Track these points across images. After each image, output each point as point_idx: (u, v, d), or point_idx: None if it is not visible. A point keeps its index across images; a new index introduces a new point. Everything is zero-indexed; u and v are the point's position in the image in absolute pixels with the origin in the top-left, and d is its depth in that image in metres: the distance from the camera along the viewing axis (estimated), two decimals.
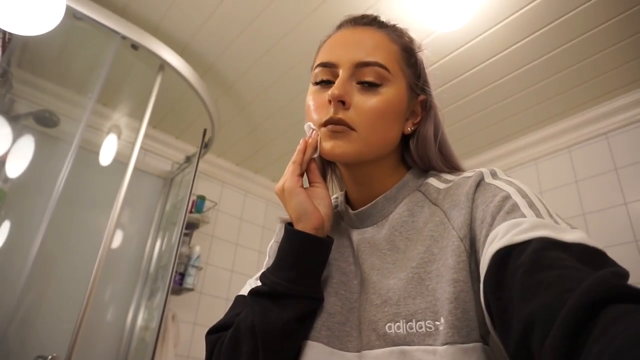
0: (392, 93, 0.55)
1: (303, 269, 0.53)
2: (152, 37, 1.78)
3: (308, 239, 0.53)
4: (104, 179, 2.00)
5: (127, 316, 2.10)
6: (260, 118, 2.34)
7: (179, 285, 2.28)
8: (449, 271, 0.46)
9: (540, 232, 0.39)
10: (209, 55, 1.97)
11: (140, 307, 2.13)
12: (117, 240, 2.15)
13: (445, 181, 0.57)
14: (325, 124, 0.55)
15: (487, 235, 0.44)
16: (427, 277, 0.48)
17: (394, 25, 0.62)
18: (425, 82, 0.61)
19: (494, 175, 0.52)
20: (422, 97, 0.61)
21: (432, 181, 0.58)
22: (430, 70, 0.63)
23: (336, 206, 0.67)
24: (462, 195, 0.50)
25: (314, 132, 0.56)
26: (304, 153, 0.56)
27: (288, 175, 0.56)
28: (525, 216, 0.42)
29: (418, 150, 0.59)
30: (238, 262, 2.68)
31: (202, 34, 1.87)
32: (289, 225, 0.56)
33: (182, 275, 2.31)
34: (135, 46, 1.74)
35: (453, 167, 0.61)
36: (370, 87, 0.55)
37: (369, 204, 0.59)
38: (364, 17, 0.61)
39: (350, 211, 0.62)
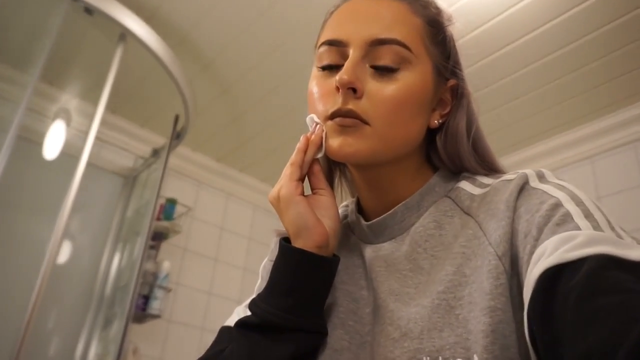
0: (414, 78, 0.56)
1: (302, 296, 0.54)
2: None
3: (308, 259, 0.54)
4: (48, 177, 2.01)
5: (75, 350, 2.10)
6: (247, 103, 2.34)
7: (142, 311, 2.29)
8: (485, 297, 0.46)
9: (599, 248, 0.39)
10: (183, 23, 1.97)
11: (92, 339, 2.13)
12: (65, 254, 2.15)
13: (481, 185, 0.58)
14: (332, 117, 0.55)
15: (532, 252, 0.44)
16: (457, 304, 0.49)
17: None
18: (457, 64, 0.62)
19: (541, 177, 0.53)
20: (452, 82, 0.62)
21: (465, 185, 0.59)
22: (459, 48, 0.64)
23: (345, 216, 0.68)
24: (502, 203, 0.51)
25: (318, 126, 0.57)
26: (305, 152, 0.57)
27: (285, 179, 0.57)
28: (579, 228, 0.43)
29: (447, 147, 0.60)
30: (217, 282, 2.69)
31: None
32: (284, 242, 0.57)
33: (146, 299, 2.31)
34: (89, 10, 1.74)
35: (490, 168, 0.62)
36: (387, 70, 0.55)
37: (386, 214, 0.60)
38: None
39: (363, 222, 0.62)
